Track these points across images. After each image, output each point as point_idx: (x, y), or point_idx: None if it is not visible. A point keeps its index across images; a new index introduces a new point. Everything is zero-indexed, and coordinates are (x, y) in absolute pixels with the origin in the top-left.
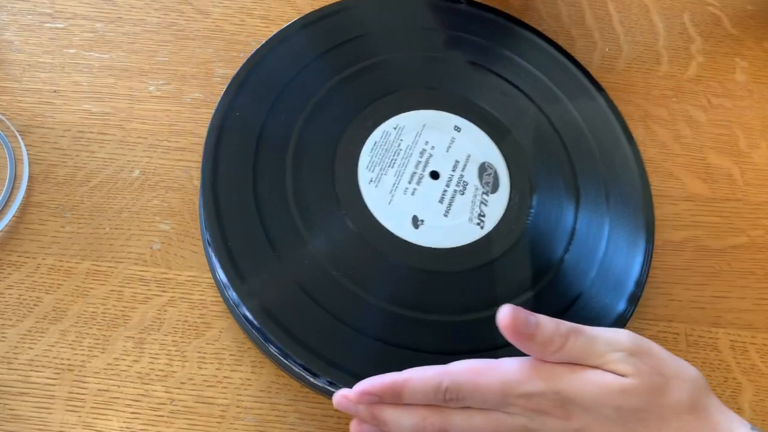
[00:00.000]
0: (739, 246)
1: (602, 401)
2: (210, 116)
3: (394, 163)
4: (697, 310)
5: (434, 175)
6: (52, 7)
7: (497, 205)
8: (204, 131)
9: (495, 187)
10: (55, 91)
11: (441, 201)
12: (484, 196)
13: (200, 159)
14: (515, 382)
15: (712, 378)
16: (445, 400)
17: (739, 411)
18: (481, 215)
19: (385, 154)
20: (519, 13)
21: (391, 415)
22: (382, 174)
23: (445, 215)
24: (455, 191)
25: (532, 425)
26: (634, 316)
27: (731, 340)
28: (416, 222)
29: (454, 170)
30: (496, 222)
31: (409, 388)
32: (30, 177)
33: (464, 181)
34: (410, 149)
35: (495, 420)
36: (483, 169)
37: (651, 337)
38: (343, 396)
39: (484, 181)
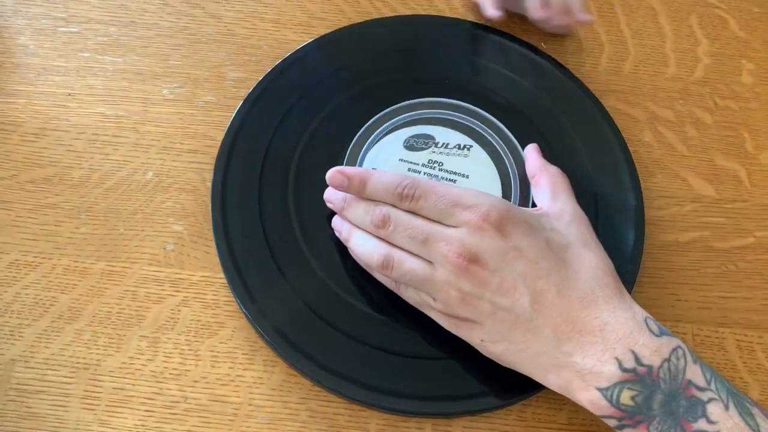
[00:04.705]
0: (745, 247)
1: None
2: (222, 119)
3: (423, 150)
4: (703, 310)
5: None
6: (66, 11)
7: None
8: (216, 134)
9: None
10: (69, 95)
11: None
12: None
13: (213, 161)
14: (469, 197)
15: None
16: (402, 196)
17: None
18: None
19: (423, 143)
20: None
21: (353, 205)
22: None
23: None
24: None
25: (470, 240)
26: None
27: (738, 340)
28: None
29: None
30: None
31: (374, 179)
32: (45, 179)
33: None
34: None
35: (434, 227)
36: None
37: None
38: (329, 175)
39: None
